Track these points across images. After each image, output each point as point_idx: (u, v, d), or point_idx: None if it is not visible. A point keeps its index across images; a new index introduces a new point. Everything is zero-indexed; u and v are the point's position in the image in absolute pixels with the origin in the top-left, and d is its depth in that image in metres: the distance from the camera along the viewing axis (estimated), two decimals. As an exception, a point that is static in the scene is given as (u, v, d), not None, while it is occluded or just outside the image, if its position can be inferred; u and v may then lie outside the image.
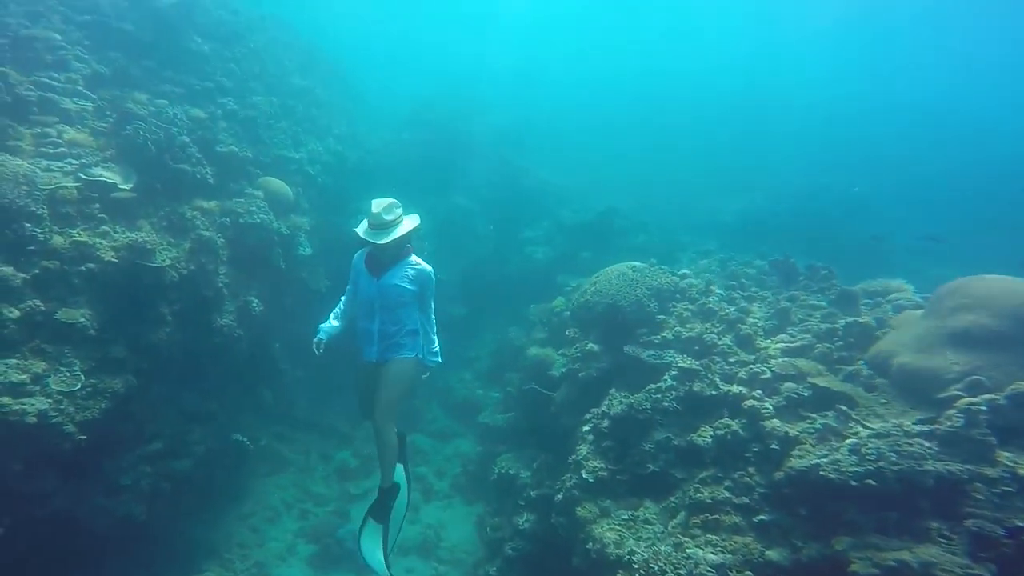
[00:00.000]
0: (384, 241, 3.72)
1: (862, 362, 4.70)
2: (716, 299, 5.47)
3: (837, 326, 4.78)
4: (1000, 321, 4.19)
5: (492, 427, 8.13)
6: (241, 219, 6.25)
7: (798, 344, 4.88)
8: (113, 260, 5.02)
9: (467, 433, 9.28)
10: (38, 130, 5.52)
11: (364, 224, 3.84)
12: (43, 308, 4.66)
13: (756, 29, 30.03)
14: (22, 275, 4.62)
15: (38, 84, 5.79)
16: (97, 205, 5.23)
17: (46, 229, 4.84)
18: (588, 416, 5.56)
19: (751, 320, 5.29)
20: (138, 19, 7.48)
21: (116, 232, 5.22)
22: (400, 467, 4.44)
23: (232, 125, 7.33)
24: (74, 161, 5.40)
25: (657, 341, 5.41)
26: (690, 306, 5.54)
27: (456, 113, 13.37)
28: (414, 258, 3.99)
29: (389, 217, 3.77)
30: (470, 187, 11.48)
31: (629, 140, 18.17)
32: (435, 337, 4.21)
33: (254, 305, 6.34)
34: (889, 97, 24.91)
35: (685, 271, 6.40)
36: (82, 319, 4.79)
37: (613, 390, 5.46)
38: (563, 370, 6.54)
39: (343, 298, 4.34)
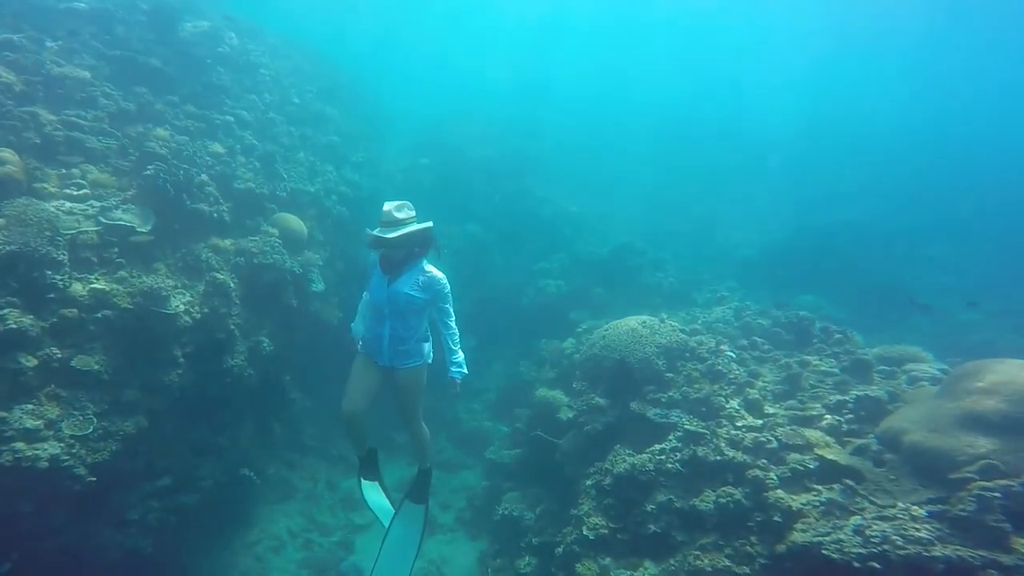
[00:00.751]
0: (392, 235, 3.64)
1: (872, 436, 4.61)
2: (726, 360, 5.40)
3: (847, 398, 4.70)
4: (1017, 407, 4.09)
5: (499, 463, 8.11)
6: (255, 259, 6.33)
7: (807, 413, 4.79)
8: (129, 307, 5.12)
9: (474, 466, 9.28)
10: (63, 171, 5.69)
11: (376, 229, 3.78)
12: (60, 355, 4.77)
13: (776, 55, 29.91)
14: (41, 323, 4.74)
15: (66, 123, 5.97)
16: (116, 249, 5.35)
17: (66, 275, 4.96)
18: (592, 470, 5.53)
19: (760, 384, 5.22)
20: (165, 54, 7.69)
21: (133, 276, 5.33)
22: (422, 510, 4.52)
23: (250, 160, 7.45)
24: (96, 203, 5.54)
25: (664, 400, 5.36)
26: (699, 366, 5.48)
27: (473, 137, 13.44)
28: (427, 266, 3.91)
29: (400, 215, 3.72)
30: (486, 216, 11.53)
31: (646, 162, 18.10)
32: (458, 348, 4.02)
33: (265, 345, 6.42)
34: (915, 121, 24.48)
35: (696, 326, 6.34)
36: (96, 366, 4.89)
37: (618, 446, 5.42)
38: (570, 415, 6.51)
39: (363, 296, 4.30)
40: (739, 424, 4.95)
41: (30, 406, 4.60)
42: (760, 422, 4.90)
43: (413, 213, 3.79)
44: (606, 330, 6.00)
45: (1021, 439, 4.10)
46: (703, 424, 5.03)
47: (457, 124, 13.75)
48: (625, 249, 10.29)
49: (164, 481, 5.83)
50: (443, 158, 12.68)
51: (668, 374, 5.49)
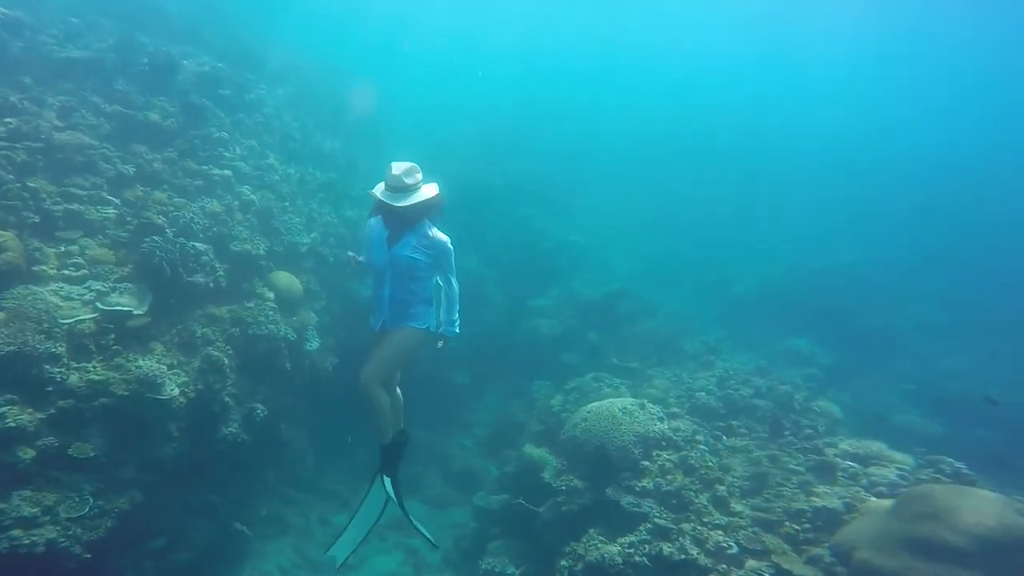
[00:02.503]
0: (401, 204, 3.49)
1: (827, 546, 4.79)
2: (699, 453, 5.57)
3: (807, 508, 4.87)
4: (959, 538, 4.25)
5: (486, 510, 8.37)
6: (250, 330, 6.52)
7: (770, 516, 4.98)
8: (124, 394, 5.32)
9: (463, 503, 9.55)
10: (62, 248, 5.87)
11: (380, 186, 3.63)
12: (57, 444, 4.99)
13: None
14: (40, 415, 4.97)
15: (65, 195, 6.14)
16: (113, 336, 5.54)
17: (63, 368, 5.17)
18: (567, 550, 5.75)
19: (729, 479, 5.40)
20: (164, 106, 7.79)
21: (129, 362, 5.53)
22: (388, 481, 4.25)
23: (247, 216, 7.59)
24: (94, 284, 5.72)
25: (638, 489, 5.55)
26: (674, 456, 5.66)
27: (476, 160, 13.47)
28: (431, 229, 3.76)
29: (409, 181, 3.55)
30: (487, 248, 11.63)
31: (654, 177, 18.09)
32: (456, 308, 3.91)
33: (259, 411, 6.65)
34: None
35: (679, 398, 6.51)
36: (93, 452, 5.12)
37: (592, 530, 5.63)
38: (552, 480, 6.71)
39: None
40: (706, 520, 5.14)
41: (28, 492, 4.83)
42: (726, 520, 5.09)
43: (421, 176, 3.63)
44: (588, 412, 6.17)
45: (962, 569, 4.25)
46: (672, 518, 5.23)
47: (460, 147, 13.75)
48: (619, 295, 10.42)
49: (158, 543, 6.14)
50: (442, 186, 12.71)
51: (644, 462, 5.68)
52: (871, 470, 5.22)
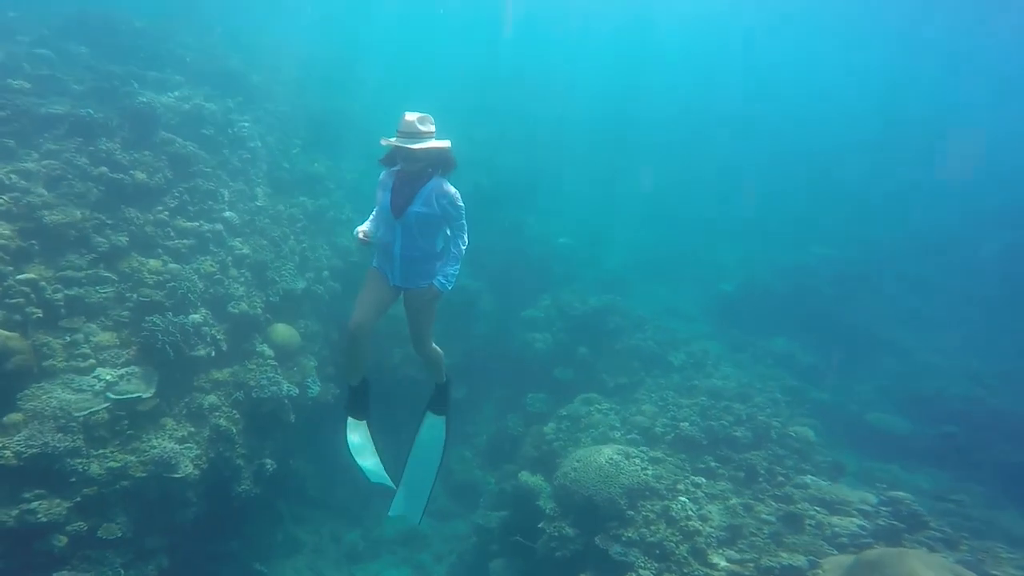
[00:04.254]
0: (415, 146, 3.42)
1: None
2: (679, 505, 6.01)
3: (775, 564, 5.34)
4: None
5: (486, 527, 8.97)
6: (254, 393, 6.85)
7: (743, 572, 5.47)
8: (143, 475, 5.72)
9: (466, 514, 10.17)
10: (68, 338, 6.10)
11: (393, 138, 3.54)
12: (86, 528, 5.44)
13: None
14: (67, 504, 5.38)
15: (64, 280, 6.31)
16: (126, 422, 5.88)
17: (83, 458, 5.53)
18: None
19: (707, 529, 5.86)
20: (149, 161, 7.80)
21: (144, 443, 5.90)
22: (443, 420, 4.53)
23: (241, 272, 7.77)
24: (103, 373, 6.00)
25: (624, 539, 6.03)
26: (656, 506, 6.10)
27: (462, 158, 13.39)
28: (443, 184, 3.66)
29: (423, 128, 3.48)
30: (477, 254, 11.76)
31: (643, 168, 18.03)
32: (457, 262, 3.83)
33: (268, 466, 7.06)
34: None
35: (659, 452, 6.94)
36: (120, 532, 5.57)
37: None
38: (545, 528, 7.11)
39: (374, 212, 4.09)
40: (686, 571, 5.65)
41: (65, 572, 5.34)
42: (703, 572, 5.59)
43: (434, 128, 3.56)
44: (577, 463, 6.59)
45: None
46: (656, 568, 5.73)
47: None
48: (608, 311, 10.71)
49: (186, 593, 6.70)
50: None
51: (629, 512, 6.14)
52: (835, 520, 5.68)
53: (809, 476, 6.45)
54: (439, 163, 3.63)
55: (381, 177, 3.81)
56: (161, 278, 6.88)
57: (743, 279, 13.48)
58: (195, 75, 11.07)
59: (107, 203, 7.16)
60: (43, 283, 6.14)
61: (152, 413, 6.19)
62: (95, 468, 5.57)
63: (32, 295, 6.01)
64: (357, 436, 4.45)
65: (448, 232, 3.82)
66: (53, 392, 5.77)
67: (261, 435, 7.14)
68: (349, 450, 4.43)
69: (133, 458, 5.80)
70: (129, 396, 5.98)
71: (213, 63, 11.91)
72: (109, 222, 6.99)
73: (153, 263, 7.01)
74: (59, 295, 6.20)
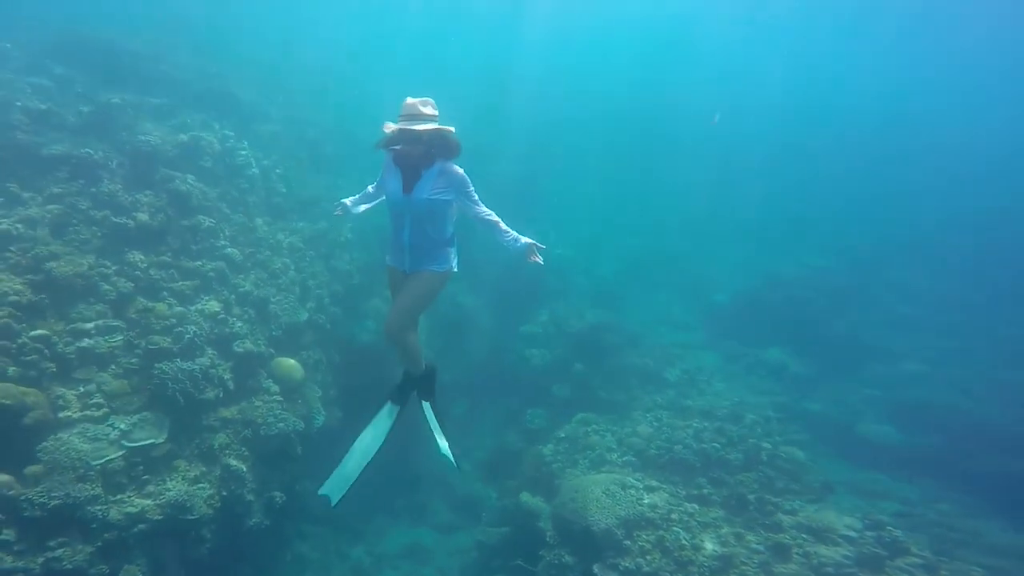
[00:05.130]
0: (419, 127, 3.38)
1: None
2: (674, 535, 6.30)
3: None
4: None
5: (487, 544, 9.31)
6: (262, 431, 7.10)
7: (734, 602, 5.79)
8: (160, 518, 5.98)
9: (468, 527, 10.51)
10: (81, 389, 6.31)
11: (396, 123, 3.51)
12: (108, 571, 5.71)
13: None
14: (89, 549, 5.64)
15: (74, 333, 6.50)
16: (141, 467, 6.12)
17: (103, 505, 5.77)
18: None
19: (700, 559, 6.16)
20: (151, 202, 7.93)
21: (159, 486, 6.15)
22: (427, 405, 4.45)
23: (245, 309, 7.96)
24: (117, 422, 6.22)
25: (621, 568, 6.34)
26: (651, 536, 6.39)
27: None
28: (447, 165, 3.63)
29: (426, 110, 3.46)
30: (475, 275, 11.99)
31: (633, 177, 18.17)
32: (510, 229, 3.77)
33: (277, 498, 7.33)
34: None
35: (653, 481, 7.20)
36: (139, 573, 5.85)
37: (581, 603, 6.49)
38: (547, 533, 7.46)
39: (369, 187, 4.14)
40: (679, 602, 5.96)
41: (92, 614, 5.64)
42: (697, 602, 5.90)
43: (437, 112, 3.53)
44: (575, 492, 6.87)
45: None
46: (651, 596, 6.05)
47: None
48: (604, 328, 10.95)
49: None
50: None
51: (626, 542, 6.43)
52: (821, 549, 5.97)
53: (798, 501, 6.72)
54: (443, 147, 3.56)
55: (384, 164, 3.79)
56: (168, 323, 7.06)
57: (736, 289, 13.74)
58: (190, 98, 11.15)
59: (111, 248, 7.32)
60: (55, 337, 6.33)
61: (166, 456, 6.44)
62: (114, 513, 5.81)
63: (45, 350, 6.21)
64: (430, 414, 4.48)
65: (468, 211, 3.75)
66: (70, 442, 5.98)
67: (269, 468, 7.39)
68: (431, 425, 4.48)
69: (150, 502, 6.05)
70: (143, 443, 6.22)
71: (206, 83, 11.95)
72: (114, 268, 7.17)
73: (159, 307, 7.19)
74: (71, 348, 6.39)
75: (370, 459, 4.54)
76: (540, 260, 3.76)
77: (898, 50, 28.16)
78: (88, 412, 6.25)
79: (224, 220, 8.71)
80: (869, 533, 6.10)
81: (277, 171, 10.72)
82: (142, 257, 7.45)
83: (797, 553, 5.97)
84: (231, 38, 15.56)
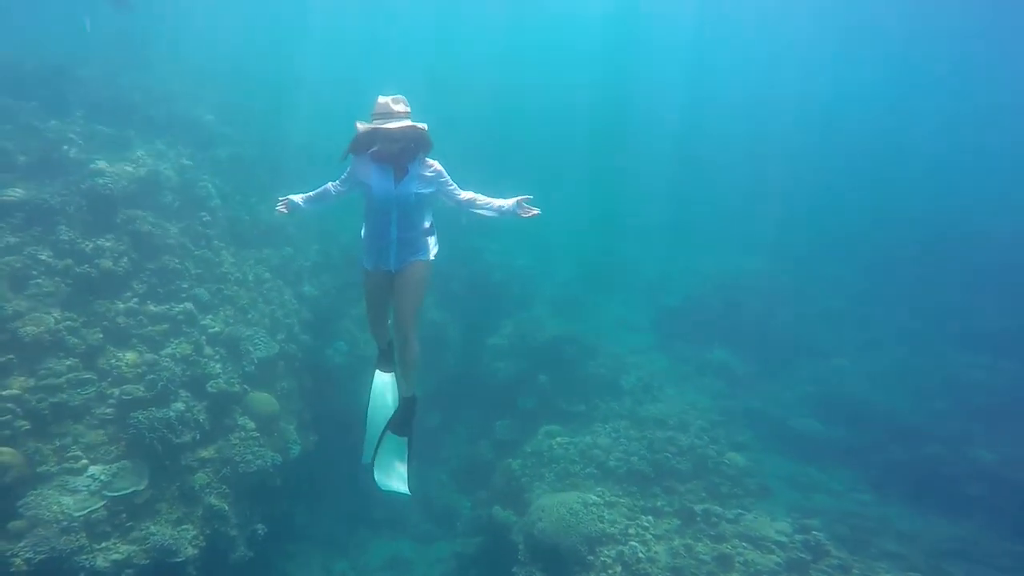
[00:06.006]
0: (394, 125, 3.44)
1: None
2: (631, 550, 6.92)
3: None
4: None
5: (464, 554, 9.86)
6: (240, 468, 7.37)
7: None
8: (146, 562, 6.26)
9: (446, 536, 11.02)
10: (57, 443, 6.46)
11: (367, 122, 3.57)
12: (98, 618, 6.00)
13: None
14: (80, 600, 5.91)
15: (46, 388, 6.61)
16: (124, 514, 6.35)
17: (89, 554, 6.01)
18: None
19: (655, 571, 6.80)
20: (113, 247, 7.97)
21: (143, 532, 6.41)
22: (405, 441, 4.38)
23: (216, 349, 8.14)
24: (96, 473, 6.42)
25: (584, 582, 6.96)
26: (612, 552, 6.99)
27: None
28: (427, 160, 3.77)
29: (398, 108, 3.51)
30: (444, 289, 12.33)
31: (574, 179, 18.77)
32: (483, 197, 3.90)
33: (260, 530, 7.66)
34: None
35: (613, 496, 7.83)
36: (130, 619, 6.15)
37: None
38: (519, 548, 8.00)
39: (329, 185, 4.07)
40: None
41: (87, 657, 5.93)
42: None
43: (409, 109, 3.60)
44: (542, 512, 7.42)
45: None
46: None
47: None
48: (563, 339, 11.52)
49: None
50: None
51: (589, 557, 7.03)
52: (757, 557, 6.69)
53: (739, 509, 7.45)
54: (420, 142, 3.66)
55: (355, 166, 3.79)
56: (139, 370, 7.23)
57: (684, 291, 14.57)
58: (143, 124, 11.03)
59: (77, 299, 7.39)
60: (26, 395, 6.45)
61: (148, 501, 6.67)
62: (100, 561, 6.04)
63: (18, 409, 6.34)
64: (389, 458, 4.36)
65: (450, 198, 3.86)
66: (51, 496, 6.17)
67: (250, 502, 7.69)
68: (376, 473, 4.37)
69: (135, 547, 6.28)
70: (125, 492, 6.45)
71: (159, 106, 11.78)
72: (81, 319, 7.26)
73: (130, 356, 7.33)
74: (44, 404, 6.52)
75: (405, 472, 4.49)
76: (536, 211, 3.78)
77: (832, 52, 29.35)
78: (66, 465, 6.42)
79: (188, 257, 8.80)
80: (798, 536, 6.87)
81: (239, 198, 10.77)
82: (108, 305, 7.55)
83: (739, 562, 6.67)
84: (181, 52, 15.23)
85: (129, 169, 9.26)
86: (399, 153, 3.62)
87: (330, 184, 4.07)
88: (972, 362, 12.17)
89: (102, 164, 9.12)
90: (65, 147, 9.30)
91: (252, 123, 13.35)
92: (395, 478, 4.41)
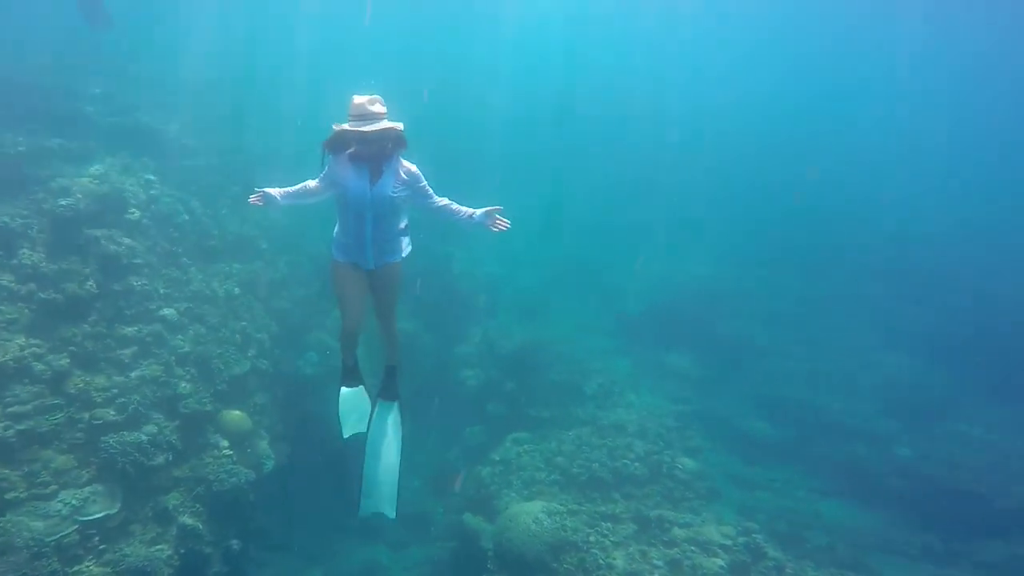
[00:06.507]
0: (371, 128, 3.47)
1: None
2: (592, 558, 7.36)
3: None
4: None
5: (438, 559, 10.22)
6: (214, 487, 7.54)
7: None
8: (121, 586, 6.42)
9: (419, 542, 11.30)
10: (26, 469, 6.53)
11: (345, 123, 3.59)
12: (74, 641, 6.15)
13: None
14: (54, 623, 6.04)
15: (13, 416, 6.65)
16: (97, 538, 6.48)
17: (63, 580, 6.16)
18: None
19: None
20: (78, 269, 7.95)
21: (117, 554, 6.55)
22: (395, 405, 4.75)
23: (187, 369, 8.23)
24: (67, 497, 6.52)
25: (551, 589, 7.38)
26: (574, 558, 7.39)
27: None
28: (403, 162, 3.81)
29: (374, 109, 3.52)
30: (415, 301, 12.55)
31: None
32: (456, 205, 3.96)
33: (234, 545, 7.84)
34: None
35: (574, 505, 8.27)
36: (107, 640, 6.31)
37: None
38: (488, 556, 8.38)
39: (308, 183, 4.01)
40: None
41: None
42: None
43: (386, 109, 3.61)
44: (509, 522, 7.82)
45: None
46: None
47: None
48: (528, 347, 11.97)
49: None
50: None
51: (554, 565, 7.45)
52: (706, 562, 7.20)
53: (689, 515, 7.99)
54: (397, 143, 3.69)
55: (332, 166, 3.79)
56: (109, 394, 7.31)
57: (643, 297, 15.21)
58: (105, 137, 10.87)
59: (41, 324, 7.39)
60: (-6, 424, 6.49)
61: (121, 523, 6.81)
62: (76, 588, 6.21)
63: (-15, 438, 6.38)
64: (353, 403, 4.62)
65: (423, 203, 3.91)
66: (21, 523, 6.25)
67: (225, 519, 7.85)
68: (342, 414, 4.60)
69: (108, 569, 6.44)
70: (97, 516, 6.57)
71: (120, 117, 11.63)
72: (47, 345, 7.28)
73: (99, 380, 7.39)
74: (10, 431, 6.56)
75: (399, 458, 4.77)
76: (506, 223, 3.85)
77: (774, 55, 30.37)
78: (35, 491, 6.49)
79: (156, 276, 8.84)
80: (741, 539, 7.45)
81: (207, 212, 10.76)
82: (75, 330, 7.57)
83: (687, 565, 7.19)
84: (137, 55, 14.95)
85: (92, 186, 9.17)
86: (376, 154, 3.64)
87: (309, 182, 4.03)
88: (895, 361, 13.10)
89: (64, 181, 9.05)
90: (24, 166, 9.17)
91: (216, 131, 13.22)
92: (384, 499, 4.69)
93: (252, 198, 3.99)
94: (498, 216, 3.85)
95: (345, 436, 4.72)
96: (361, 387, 4.69)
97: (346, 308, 4.09)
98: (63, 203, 8.29)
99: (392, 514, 4.79)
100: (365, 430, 4.68)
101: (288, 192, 4.04)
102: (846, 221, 18.79)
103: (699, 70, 30.66)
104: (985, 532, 8.59)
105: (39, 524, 6.33)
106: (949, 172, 23.85)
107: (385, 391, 4.70)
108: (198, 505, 7.50)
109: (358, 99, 3.52)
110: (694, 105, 27.23)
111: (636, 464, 9.00)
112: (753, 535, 7.50)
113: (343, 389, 4.63)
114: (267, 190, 3.99)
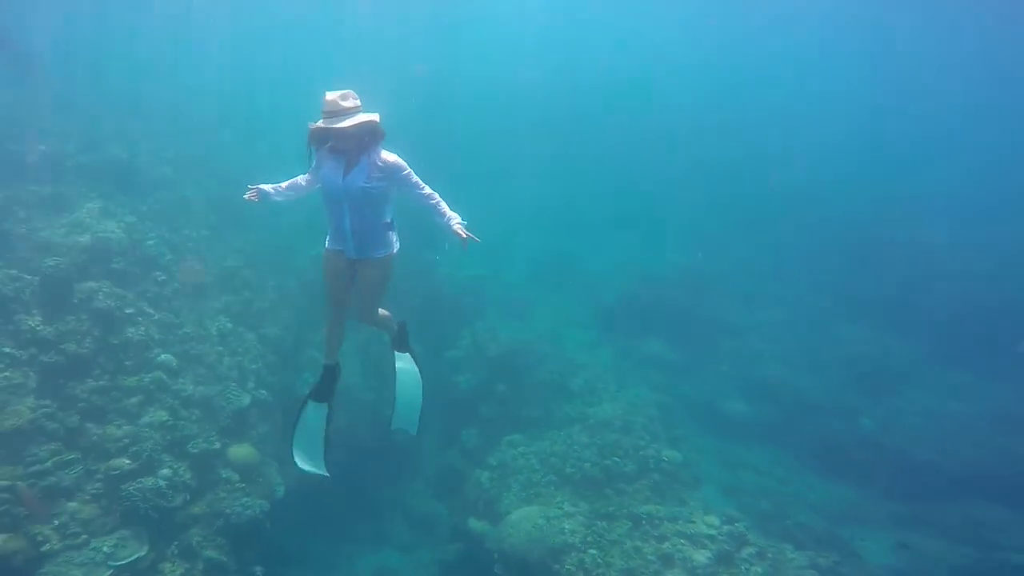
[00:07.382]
0: (342, 124, 3.47)
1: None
2: (590, 558, 8.02)
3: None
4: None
5: (446, 561, 10.89)
6: (232, 520, 8.01)
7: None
8: (157, 624, 6.94)
9: (428, 543, 11.95)
10: (56, 522, 6.94)
11: (319, 121, 3.61)
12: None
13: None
14: (100, 664, 6.57)
15: (35, 475, 7.02)
16: (131, 581, 6.97)
17: (107, 623, 6.66)
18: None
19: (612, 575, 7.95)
20: (74, 328, 8.18)
21: (152, 597, 7.05)
22: (408, 355, 5.35)
23: (191, 411, 8.59)
24: (99, 545, 6.95)
25: (552, 593, 8.05)
26: (574, 559, 8.01)
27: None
28: (381, 154, 3.76)
29: (346, 104, 3.54)
30: (402, 307, 12.90)
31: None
32: (445, 203, 3.89)
33: (258, 572, 8.32)
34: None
35: (569, 507, 8.88)
36: (149, 674, 6.87)
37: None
38: (495, 558, 9.04)
39: (299, 177, 4.13)
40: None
41: None
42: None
43: (359, 103, 3.61)
44: (511, 528, 8.46)
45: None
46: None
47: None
48: (515, 348, 12.46)
49: None
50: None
51: (556, 566, 8.11)
52: (695, 554, 7.89)
53: (677, 507, 8.68)
54: (373, 135, 3.70)
55: (317, 159, 3.89)
56: (121, 444, 7.68)
57: (620, 289, 15.74)
58: (78, 176, 10.93)
59: (48, 386, 7.67)
60: (18, 483, 6.84)
61: (151, 564, 7.29)
62: (118, 633, 6.72)
63: (10, 499, 6.74)
64: (311, 423, 4.74)
65: (408, 192, 3.87)
66: (61, 573, 6.71)
67: (246, 548, 8.35)
68: (297, 426, 4.74)
69: (149, 612, 6.97)
70: (129, 560, 7.05)
71: (91, 153, 11.62)
72: (56, 404, 7.58)
73: (110, 430, 7.75)
74: (35, 488, 6.94)
75: (421, 393, 5.47)
76: (472, 238, 3.74)
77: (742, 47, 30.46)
78: (68, 541, 6.93)
79: (150, 323, 9.08)
80: (725, 527, 8.17)
81: (191, 248, 10.92)
82: (80, 386, 7.86)
83: (679, 559, 7.90)
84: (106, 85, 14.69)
85: (75, 238, 9.32)
86: (355, 147, 3.68)
87: (300, 176, 4.14)
88: (859, 336, 13.91)
89: (45, 235, 9.18)
90: (3, 220, 9.24)
91: (189, 158, 13.23)
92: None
93: (247, 195, 4.07)
94: (465, 232, 3.76)
95: (297, 464, 4.81)
96: (326, 408, 4.64)
97: (329, 291, 4.25)
98: (50, 263, 8.46)
99: (414, 431, 5.79)
100: (318, 470, 4.77)
101: (280, 187, 4.16)
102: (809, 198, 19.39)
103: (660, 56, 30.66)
104: (944, 497, 9.48)
105: (77, 572, 6.78)
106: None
107: (397, 344, 5.25)
108: (219, 538, 7.98)
109: (330, 96, 3.53)
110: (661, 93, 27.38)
111: (625, 460, 9.65)
112: (736, 523, 8.21)
113: (309, 402, 4.66)
114: (261, 186, 4.10)
